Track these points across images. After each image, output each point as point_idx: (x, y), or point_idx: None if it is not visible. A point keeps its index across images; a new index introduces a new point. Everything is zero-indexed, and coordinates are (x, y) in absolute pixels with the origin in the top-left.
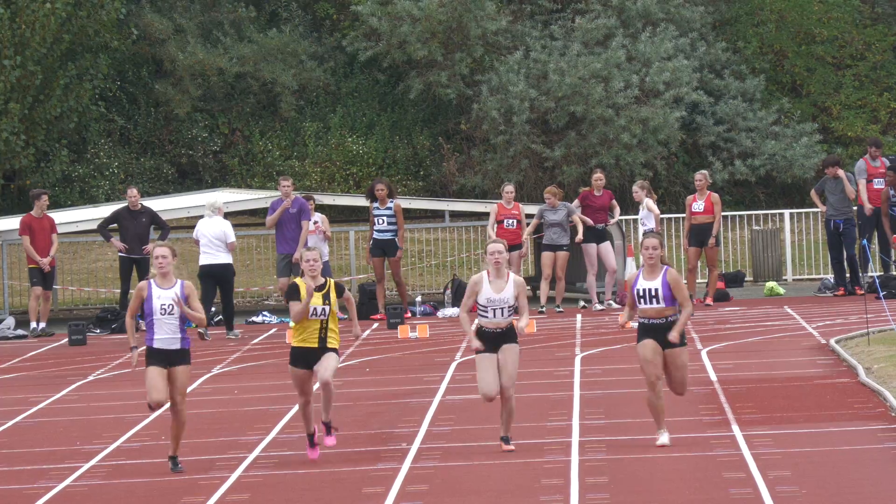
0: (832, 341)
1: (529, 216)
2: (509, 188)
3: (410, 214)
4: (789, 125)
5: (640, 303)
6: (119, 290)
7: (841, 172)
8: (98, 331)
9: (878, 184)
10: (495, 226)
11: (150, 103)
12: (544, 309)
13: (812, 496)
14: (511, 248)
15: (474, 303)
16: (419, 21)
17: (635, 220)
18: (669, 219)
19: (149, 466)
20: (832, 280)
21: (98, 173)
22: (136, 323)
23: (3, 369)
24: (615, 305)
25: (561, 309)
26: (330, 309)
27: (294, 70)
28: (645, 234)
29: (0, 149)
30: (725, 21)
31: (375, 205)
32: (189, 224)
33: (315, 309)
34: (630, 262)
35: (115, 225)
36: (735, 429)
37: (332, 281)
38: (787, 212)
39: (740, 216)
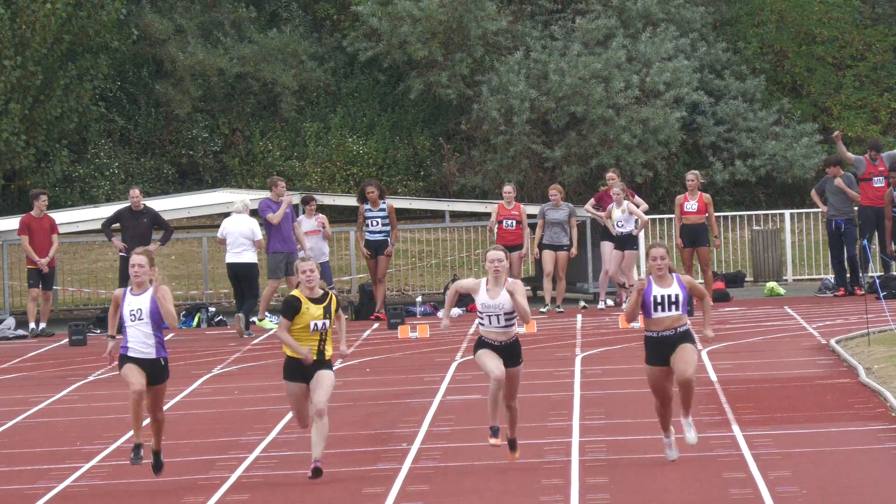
0: (832, 341)
1: (531, 216)
2: (509, 188)
3: (410, 214)
4: (790, 125)
5: (656, 311)
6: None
7: (839, 181)
8: (98, 331)
9: (878, 182)
10: (496, 226)
11: (150, 103)
12: (547, 308)
13: (812, 496)
14: (511, 249)
15: (457, 293)
16: (419, 21)
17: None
18: (670, 219)
19: (149, 466)
20: (832, 280)
21: (98, 173)
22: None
23: (3, 369)
24: (609, 303)
25: (561, 309)
26: (330, 323)
27: (294, 70)
28: (652, 244)
29: (0, 149)
30: (726, 21)
31: (367, 206)
32: (189, 224)
33: (315, 324)
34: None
35: (118, 224)
36: (735, 429)
37: (334, 295)
38: (787, 212)
39: (740, 216)
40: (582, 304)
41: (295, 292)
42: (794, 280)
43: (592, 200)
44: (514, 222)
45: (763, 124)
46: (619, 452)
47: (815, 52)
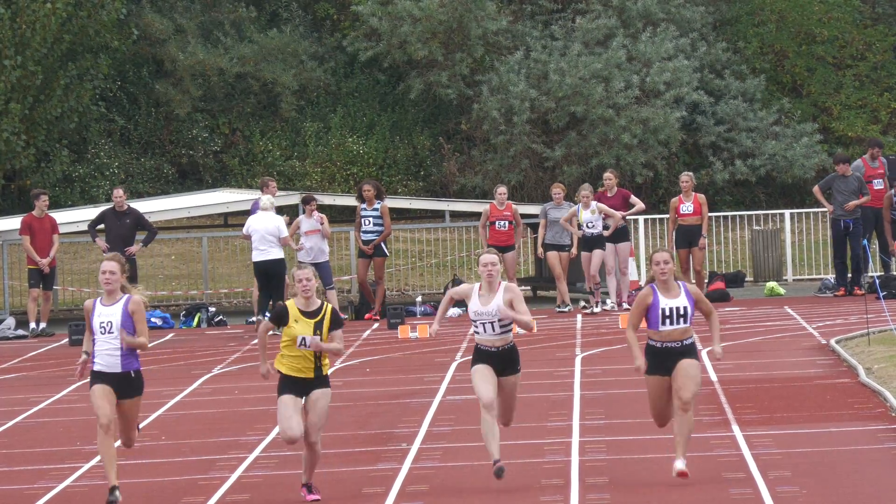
0: (832, 341)
1: (532, 216)
2: (502, 189)
3: (410, 214)
4: (790, 125)
5: (664, 324)
6: None
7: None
8: None
9: (878, 185)
10: (488, 227)
11: (150, 103)
12: (569, 308)
13: (812, 496)
14: (504, 250)
15: (452, 300)
16: (419, 21)
17: (635, 220)
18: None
19: (149, 466)
20: (832, 280)
21: (98, 173)
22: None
23: (3, 369)
24: (608, 305)
25: (567, 308)
26: (322, 340)
27: (294, 70)
28: (655, 249)
29: (0, 149)
30: (726, 21)
31: (363, 206)
32: (189, 224)
33: (304, 339)
34: (630, 262)
35: (102, 226)
36: (735, 429)
37: (331, 308)
38: (787, 212)
39: (740, 216)
40: (582, 303)
41: (290, 302)
42: (794, 280)
43: None
44: (507, 223)
45: (763, 124)
46: (619, 452)
47: (815, 51)
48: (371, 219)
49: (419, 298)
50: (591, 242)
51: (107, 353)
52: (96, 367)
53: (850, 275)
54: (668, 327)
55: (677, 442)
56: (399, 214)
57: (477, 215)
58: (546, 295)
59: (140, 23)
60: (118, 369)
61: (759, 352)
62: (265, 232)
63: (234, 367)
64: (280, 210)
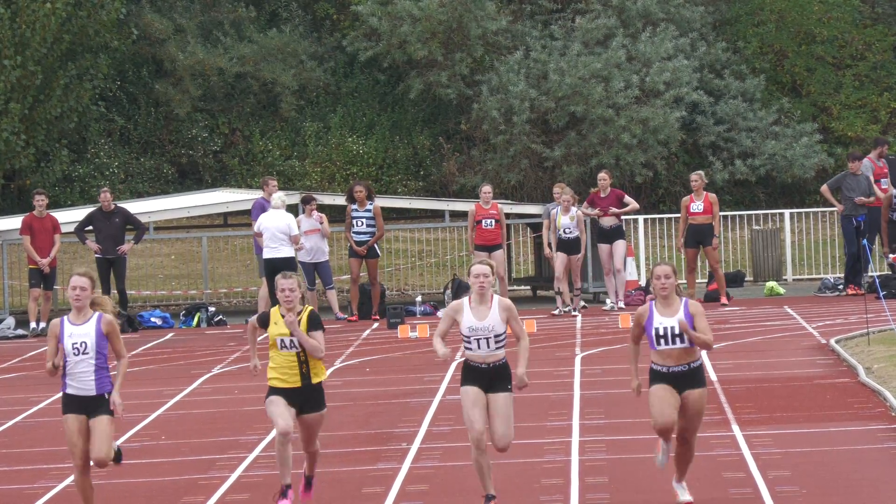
0: (832, 341)
1: (533, 216)
2: (486, 188)
3: (410, 214)
4: (789, 125)
5: (658, 343)
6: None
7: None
8: None
9: (884, 184)
10: (475, 226)
11: (150, 103)
12: (568, 310)
13: (812, 496)
14: (491, 248)
15: (448, 330)
16: (419, 21)
17: (635, 220)
18: (670, 219)
19: (149, 466)
20: (832, 280)
21: (98, 173)
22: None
23: (3, 369)
24: (607, 305)
25: (568, 309)
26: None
27: (294, 70)
28: (657, 262)
29: (0, 149)
30: (725, 21)
31: (354, 206)
32: (189, 224)
33: (282, 341)
34: (630, 262)
35: (91, 227)
36: (735, 429)
37: (309, 310)
38: (787, 212)
39: (740, 216)
40: (582, 303)
41: (276, 307)
42: (793, 280)
43: (586, 204)
44: (493, 221)
45: (763, 124)
46: (619, 452)
47: (815, 51)
48: (364, 220)
49: (419, 298)
50: (566, 246)
51: (81, 375)
52: (69, 390)
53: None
54: (663, 347)
55: (681, 468)
56: (399, 214)
57: None
58: (546, 295)
59: (140, 23)
60: (92, 392)
61: (759, 352)
62: (276, 230)
63: (233, 366)
64: None
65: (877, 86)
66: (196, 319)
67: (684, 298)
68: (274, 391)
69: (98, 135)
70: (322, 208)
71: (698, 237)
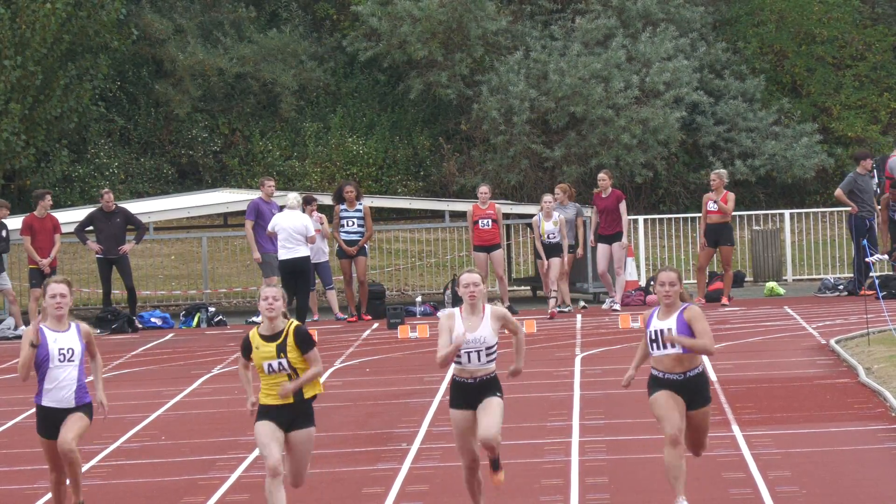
0: (832, 341)
1: (532, 216)
2: (484, 188)
3: (410, 214)
4: (789, 125)
5: (653, 348)
6: (101, 292)
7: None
8: (98, 331)
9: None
10: (474, 227)
11: (150, 103)
12: (569, 308)
13: (812, 496)
14: (489, 249)
15: (452, 330)
16: (419, 21)
17: (635, 220)
18: (670, 219)
19: (149, 466)
20: (832, 280)
21: (98, 173)
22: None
23: (3, 369)
24: (607, 304)
25: (568, 309)
26: (288, 362)
27: (294, 70)
28: (661, 268)
29: (0, 149)
30: (725, 21)
31: (343, 206)
32: (189, 224)
33: (270, 365)
34: (630, 262)
35: (92, 227)
36: (735, 429)
37: (294, 327)
38: (787, 212)
39: (740, 216)
40: (582, 303)
41: (253, 330)
42: (793, 280)
43: (593, 211)
44: (490, 221)
45: (763, 124)
46: (619, 452)
47: (815, 52)
48: (354, 220)
49: (419, 298)
50: (550, 250)
51: (63, 382)
52: (45, 403)
53: (852, 275)
54: (657, 352)
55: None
56: (399, 214)
57: None
58: (545, 295)
59: (140, 23)
60: (71, 404)
61: (759, 352)
62: (292, 230)
63: (233, 366)
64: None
65: (877, 86)
66: (196, 320)
67: (684, 304)
68: (265, 410)
69: (98, 135)
70: (322, 209)
71: (714, 236)
